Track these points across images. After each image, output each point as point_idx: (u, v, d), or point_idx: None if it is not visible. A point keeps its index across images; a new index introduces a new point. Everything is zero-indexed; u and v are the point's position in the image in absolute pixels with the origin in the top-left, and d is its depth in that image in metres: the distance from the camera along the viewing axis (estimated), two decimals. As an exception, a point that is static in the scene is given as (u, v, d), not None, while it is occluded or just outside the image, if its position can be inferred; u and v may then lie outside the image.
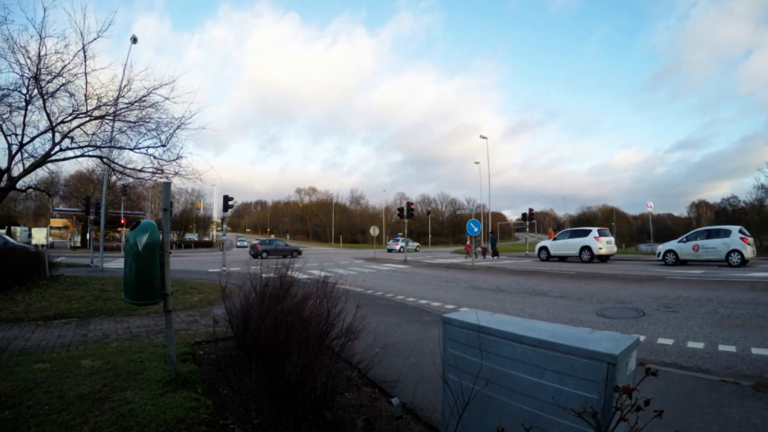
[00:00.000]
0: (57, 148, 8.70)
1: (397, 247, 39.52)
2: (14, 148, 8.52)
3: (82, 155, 9.38)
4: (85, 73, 8.26)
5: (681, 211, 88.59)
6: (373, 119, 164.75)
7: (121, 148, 9.73)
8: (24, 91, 8.13)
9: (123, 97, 8.70)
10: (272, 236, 67.28)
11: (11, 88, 8.16)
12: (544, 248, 20.61)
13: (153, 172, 9.56)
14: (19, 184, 9.64)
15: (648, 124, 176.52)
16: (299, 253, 27.07)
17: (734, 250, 14.05)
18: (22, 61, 7.79)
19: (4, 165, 8.65)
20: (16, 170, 8.72)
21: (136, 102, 8.75)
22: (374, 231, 29.58)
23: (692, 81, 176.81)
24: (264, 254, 25.13)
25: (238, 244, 58.64)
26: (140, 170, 9.92)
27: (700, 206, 77.62)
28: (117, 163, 10.43)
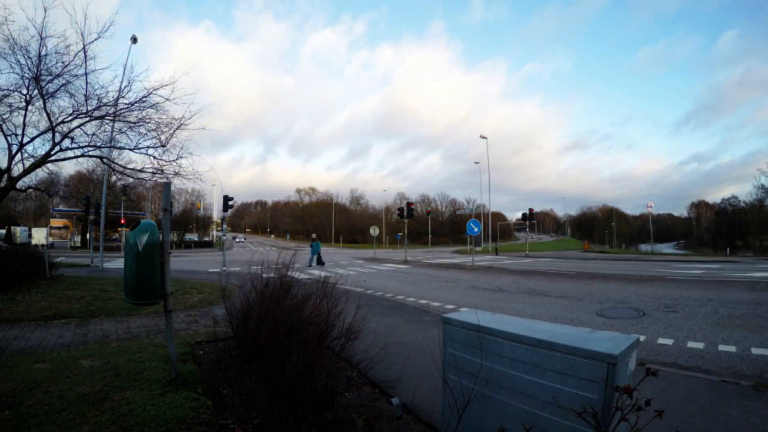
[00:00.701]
0: (57, 148, 8.70)
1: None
2: (14, 148, 8.52)
3: (82, 155, 9.38)
4: (86, 74, 8.27)
5: (681, 211, 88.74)
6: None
7: (121, 148, 9.72)
8: (24, 91, 8.13)
9: (123, 97, 8.70)
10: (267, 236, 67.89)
11: (11, 88, 8.16)
12: None
13: (153, 173, 9.56)
14: (19, 184, 9.64)
15: (672, 142, 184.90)
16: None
17: None
18: (22, 61, 7.80)
19: (4, 165, 8.65)
20: (16, 170, 8.72)
21: (136, 102, 8.75)
22: (374, 231, 29.58)
23: (721, 115, 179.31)
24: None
25: (238, 240, 59.08)
26: (140, 170, 9.92)
27: (699, 206, 77.70)
28: (117, 163, 10.44)
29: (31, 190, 12.24)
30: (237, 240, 65.05)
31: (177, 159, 9.22)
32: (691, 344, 4.73)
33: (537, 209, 39.28)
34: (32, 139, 8.76)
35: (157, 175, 9.52)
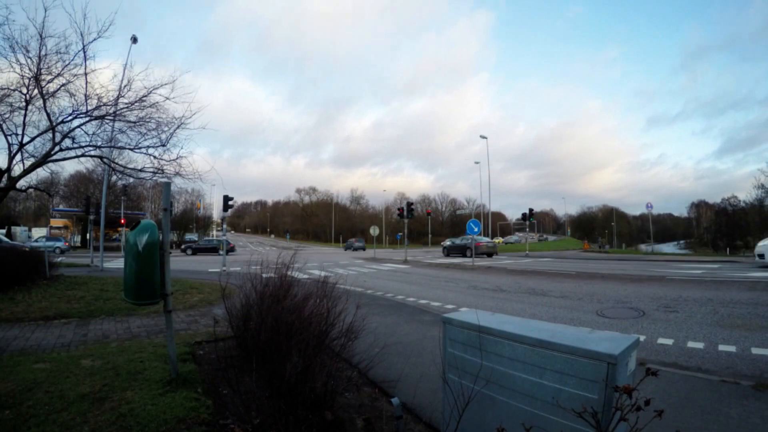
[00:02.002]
0: (57, 148, 8.70)
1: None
2: (14, 148, 8.52)
3: (83, 155, 9.37)
4: (86, 73, 8.26)
5: (681, 211, 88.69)
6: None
7: (121, 148, 9.72)
8: (24, 91, 8.13)
9: (123, 97, 8.70)
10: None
11: (11, 88, 8.16)
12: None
13: (153, 172, 9.56)
14: (20, 184, 9.65)
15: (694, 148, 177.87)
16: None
17: None
18: (22, 60, 7.80)
19: (4, 165, 8.66)
20: (17, 170, 8.72)
21: (136, 102, 8.75)
22: (374, 231, 29.58)
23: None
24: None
25: (241, 243, 58.63)
26: (140, 170, 9.93)
27: (700, 206, 77.60)
28: (117, 163, 10.44)
29: (31, 190, 12.27)
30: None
31: (177, 159, 9.22)
32: (691, 344, 4.73)
33: (537, 209, 39.30)
34: (32, 139, 8.77)
35: (157, 174, 9.53)
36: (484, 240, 27.01)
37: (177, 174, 9.38)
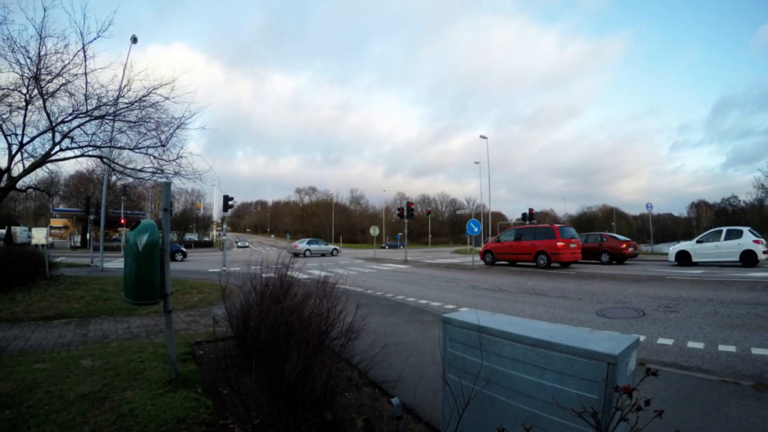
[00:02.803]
0: (57, 148, 8.70)
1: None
2: (14, 148, 8.52)
3: (82, 155, 9.38)
4: (85, 73, 8.26)
5: (681, 211, 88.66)
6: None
7: (121, 148, 9.72)
8: (24, 90, 8.13)
9: (123, 97, 8.70)
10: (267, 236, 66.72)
11: (11, 87, 8.16)
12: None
13: (153, 172, 9.57)
14: (19, 184, 9.64)
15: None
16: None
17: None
18: (22, 60, 7.79)
19: (4, 165, 8.65)
20: (16, 170, 8.72)
21: (136, 102, 8.75)
22: (374, 231, 29.59)
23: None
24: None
25: (239, 244, 58.17)
26: (140, 170, 9.94)
27: (699, 206, 77.69)
28: (117, 163, 10.44)
29: (31, 190, 12.27)
30: (238, 243, 61.16)
31: (177, 159, 9.23)
32: (691, 344, 4.73)
33: (537, 209, 39.24)
34: (32, 139, 8.77)
35: (157, 174, 9.54)
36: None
37: (177, 174, 9.39)
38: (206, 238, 58.37)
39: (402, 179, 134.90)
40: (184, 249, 28.26)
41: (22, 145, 8.52)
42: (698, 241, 15.36)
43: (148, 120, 9.09)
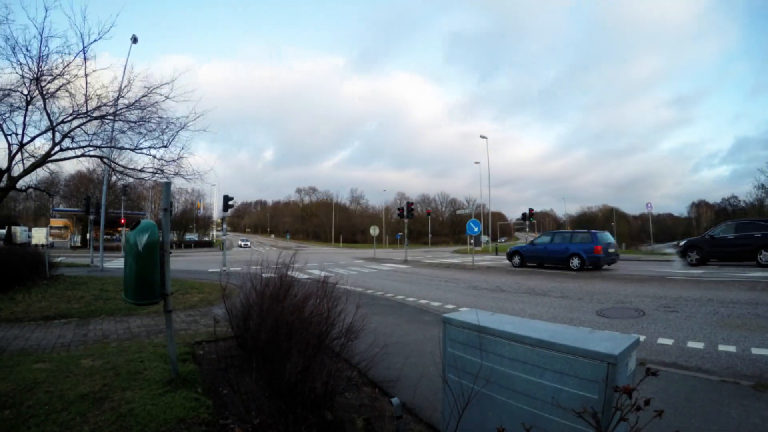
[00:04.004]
0: (57, 148, 8.71)
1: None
2: (14, 147, 8.53)
3: (83, 155, 9.39)
4: (86, 74, 8.27)
5: (681, 211, 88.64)
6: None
7: (121, 148, 9.75)
8: (25, 91, 8.14)
9: (123, 97, 8.71)
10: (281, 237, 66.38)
11: (12, 88, 8.17)
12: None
13: (153, 172, 9.58)
14: (20, 184, 9.65)
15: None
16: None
17: None
18: (23, 61, 7.81)
19: (4, 165, 8.66)
20: (17, 170, 8.73)
21: (136, 102, 8.75)
22: (374, 231, 29.60)
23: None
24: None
25: (241, 244, 57.93)
26: (140, 170, 9.94)
27: (700, 206, 77.68)
28: (117, 163, 10.45)
29: (31, 189, 12.27)
30: (242, 242, 59.64)
31: (177, 159, 9.23)
32: (691, 344, 4.72)
33: (537, 209, 39.28)
34: (32, 139, 8.78)
35: (157, 175, 9.54)
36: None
37: (177, 174, 9.40)
38: (206, 238, 58.34)
39: (403, 177, 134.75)
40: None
41: (22, 144, 8.53)
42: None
43: (148, 120, 9.10)
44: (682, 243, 16.29)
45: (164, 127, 9.10)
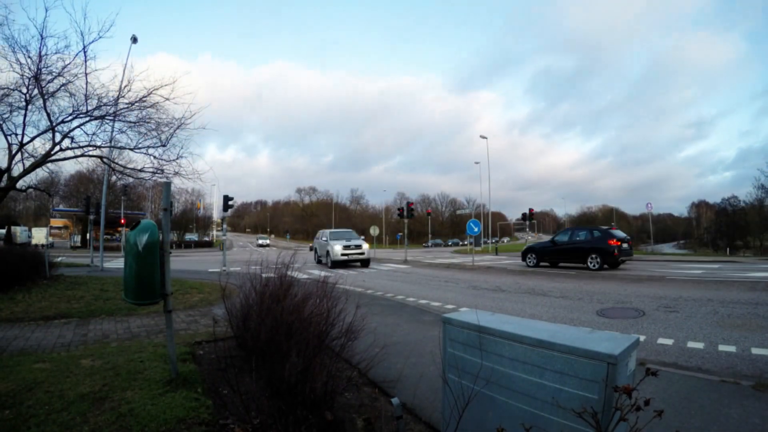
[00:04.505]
0: (57, 148, 8.71)
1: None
2: (14, 147, 8.53)
3: (82, 155, 9.39)
4: (86, 73, 8.27)
5: (681, 211, 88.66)
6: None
7: (121, 148, 9.74)
8: (24, 90, 8.14)
9: (123, 97, 8.71)
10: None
11: (12, 87, 8.17)
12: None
13: (153, 172, 9.58)
14: (19, 184, 9.65)
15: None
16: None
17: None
18: (22, 60, 7.81)
19: (4, 165, 8.66)
20: (16, 170, 8.73)
21: (136, 102, 8.75)
22: (374, 231, 29.61)
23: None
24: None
25: (241, 243, 57.62)
26: (140, 170, 9.94)
27: (700, 206, 77.64)
28: (117, 163, 10.45)
29: (31, 189, 12.27)
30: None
31: (177, 159, 9.24)
32: (691, 344, 4.73)
33: (537, 209, 39.28)
34: (32, 139, 8.79)
35: (157, 174, 9.54)
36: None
37: (176, 174, 9.40)
38: (206, 238, 58.34)
39: (403, 177, 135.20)
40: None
41: (22, 144, 8.53)
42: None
43: (148, 120, 9.10)
44: (525, 248, 17.65)
45: (164, 126, 9.11)
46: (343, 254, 16.87)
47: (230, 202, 18.28)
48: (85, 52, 8.05)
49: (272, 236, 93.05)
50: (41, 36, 7.73)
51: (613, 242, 13.64)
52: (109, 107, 8.64)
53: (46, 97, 8.19)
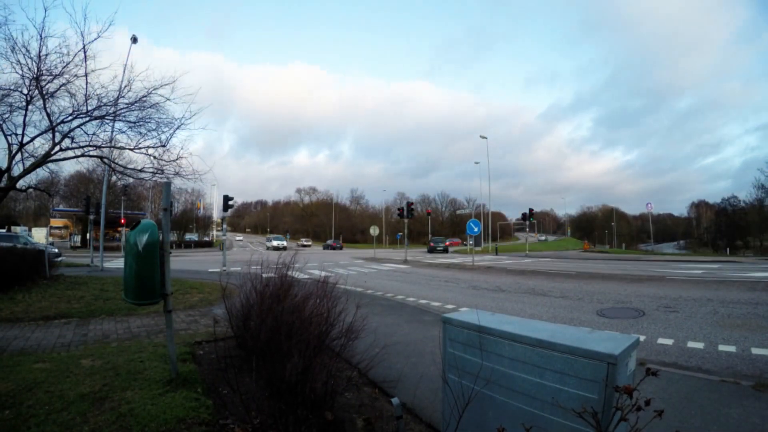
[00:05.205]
0: (57, 148, 8.70)
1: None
2: (14, 147, 8.52)
3: (83, 155, 9.37)
4: (86, 73, 8.25)
5: (681, 211, 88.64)
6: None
7: (121, 148, 9.73)
8: (24, 91, 8.13)
9: (123, 97, 8.70)
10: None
11: (12, 87, 8.16)
12: None
13: (153, 172, 9.56)
14: (20, 184, 9.64)
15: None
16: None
17: None
18: (22, 61, 7.78)
19: (4, 165, 8.65)
20: (17, 170, 8.72)
21: (136, 102, 8.74)
22: (374, 231, 29.59)
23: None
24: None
25: (274, 243, 55.96)
26: (140, 170, 9.92)
27: (700, 206, 77.55)
28: (117, 163, 10.44)
29: (31, 189, 12.27)
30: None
31: (177, 159, 9.22)
32: (691, 344, 4.73)
33: (537, 209, 39.26)
34: (32, 139, 8.77)
35: (157, 175, 9.52)
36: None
37: (177, 174, 9.38)
38: (206, 238, 58.31)
39: (404, 179, 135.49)
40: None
41: (22, 144, 8.52)
42: None
43: (148, 120, 9.09)
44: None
45: (164, 126, 9.10)
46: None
47: (230, 202, 18.28)
48: (85, 52, 8.03)
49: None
50: (41, 36, 7.72)
51: None
52: (109, 107, 8.63)
53: (46, 97, 8.18)
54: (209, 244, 51.52)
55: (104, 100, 8.61)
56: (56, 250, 17.49)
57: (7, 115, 8.39)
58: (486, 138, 37.08)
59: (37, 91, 8.07)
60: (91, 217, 19.36)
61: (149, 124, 9.13)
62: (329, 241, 55.81)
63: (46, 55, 7.92)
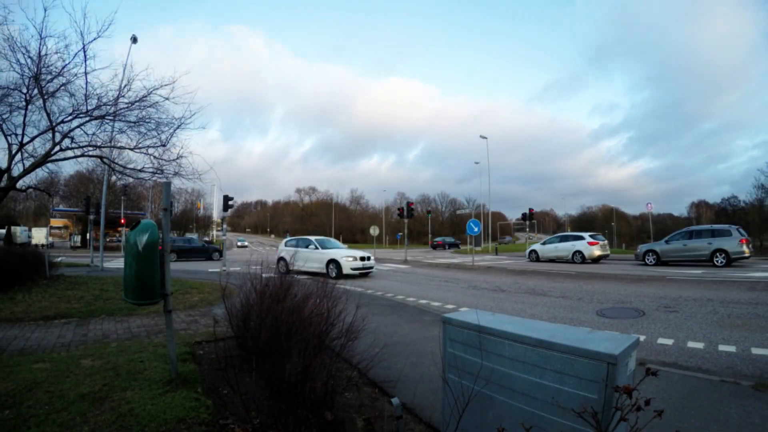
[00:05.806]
0: (57, 148, 8.70)
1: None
2: (14, 147, 8.53)
3: (82, 155, 9.38)
4: (86, 73, 8.26)
5: (681, 211, 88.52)
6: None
7: (121, 148, 9.73)
8: (24, 90, 8.13)
9: (123, 97, 8.70)
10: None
11: (11, 87, 8.16)
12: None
13: (153, 172, 9.57)
14: (19, 184, 9.65)
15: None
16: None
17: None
18: (22, 60, 7.79)
19: (4, 165, 8.66)
20: (16, 170, 8.73)
21: (136, 102, 8.74)
22: (374, 231, 29.61)
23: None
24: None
25: (239, 243, 57.85)
26: (140, 170, 9.93)
27: (700, 206, 77.51)
28: (117, 163, 10.44)
29: (31, 189, 12.26)
30: (239, 241, 55.66)
31: (177, 159, 9.23)
32: (691, 344, 4.73)
33: (537, 209, 39.25)
34: (32, 139, 8.77)
35: (157, 174, 9.53)
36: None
37: (176, 174, 9.39)
38: (206, 238, 58.28)
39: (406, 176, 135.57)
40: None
41: (22, 145, 8.53)
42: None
43: (148, 120, 9.09)
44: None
45: (164, 126, 9.10)
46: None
47: (230, 202, 18.28)
48: (84, 52, 8.03)
49: (272, 236, 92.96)
50: (41, 36, 7.73)
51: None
52: (109, 107, 8.63)
53: (46, 97, 8.18)
54: (218, 251, 51.29)
55: (104, 100, 8.61)
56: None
57: (6, 115, 8.40)
58: (486, 138, 37.07)
59: (36, 91, 8.07)
60: (91, 217, 19.37)
61: (149, 124, 9.14)
62: (330, 241, 55.69)
63: (46, 54, 7.93)
